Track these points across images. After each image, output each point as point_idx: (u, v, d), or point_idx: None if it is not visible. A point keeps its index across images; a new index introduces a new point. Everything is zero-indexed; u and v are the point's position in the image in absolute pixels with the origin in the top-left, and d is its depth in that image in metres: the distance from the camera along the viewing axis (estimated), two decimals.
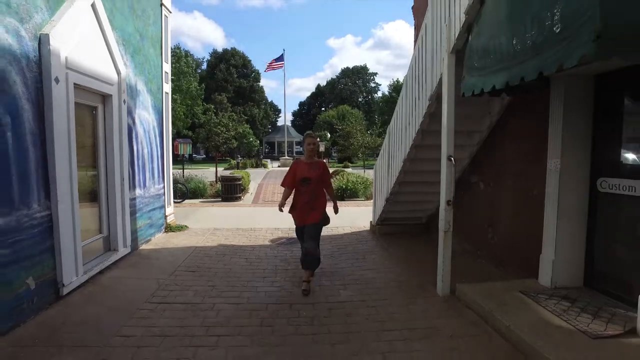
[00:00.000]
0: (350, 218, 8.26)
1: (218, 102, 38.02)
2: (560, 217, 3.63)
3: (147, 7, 6.09)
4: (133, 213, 5.46)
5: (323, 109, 59.12)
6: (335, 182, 13.18)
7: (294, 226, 4.59)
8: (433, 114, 4.44)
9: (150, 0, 6.25)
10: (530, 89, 3.65)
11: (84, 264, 4.10)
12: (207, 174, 17.16)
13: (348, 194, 12.40)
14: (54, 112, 3.52)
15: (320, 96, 63.28)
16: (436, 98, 4.23)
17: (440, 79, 3.96)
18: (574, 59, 2.21)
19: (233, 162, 29.70)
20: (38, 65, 3.40)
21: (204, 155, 48.74)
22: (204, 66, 50.10)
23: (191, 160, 38.07)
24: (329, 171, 4.54)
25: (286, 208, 4.35)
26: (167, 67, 7.07)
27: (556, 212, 3.64)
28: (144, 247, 5.81)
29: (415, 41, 5.41)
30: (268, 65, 36.22)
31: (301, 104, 65.61)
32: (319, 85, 65.09)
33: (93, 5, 4.25)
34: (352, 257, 5.45)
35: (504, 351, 2.84)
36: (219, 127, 17.48)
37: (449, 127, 3.80)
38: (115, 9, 4.91)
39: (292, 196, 4.45)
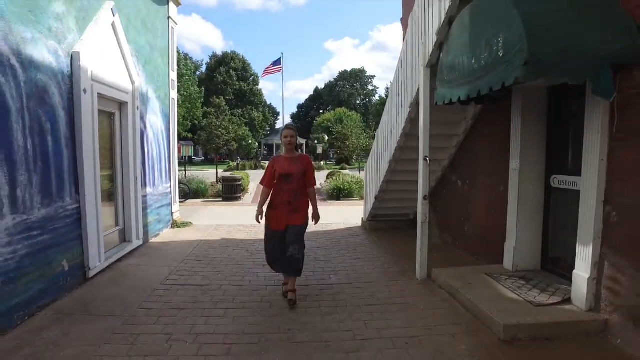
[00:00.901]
0: (345, 216, 8.83)
1: (217, 105, 38.56)
2: (520, 210, 4.21)
3: (156, 20, 6.67)
4: (144, 209, 6.01)
5: (321, 111, 59.73)
6: (331, 183, 13.76)
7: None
8: (414, 120, 5.01)
9: (159, 14, 6.84)
10: (497, 98, 4.24)
11: (104, 252, 4.65)
12: (207, 175, 17.71)
13: (344, 194, 12.95)
14: (83, 119, 4.09)
15: (319, 99, 63.93)
16: (416, 105, 4.80)
17: (419, 89, 4.54)
18: (511, 79, 2.80)
19: (232, 164, 30.28)
20: (70, 78, 3.97)
21: (203, 158, 49.31)
22: (203, 69, 50.69)
23: (190, 162, 38.59)
24: (313, 168, 3.98)
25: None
26: (173, 75, 7.64)
27: (517, 205, 4.21)
28: (153, 240, 6.36)
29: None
30: (265, 70, 36.75)
31: (300, 107, 66.25)
32: (317, 88, 65.80)
33: (113, 24, 4.82)
34: (343, 249, 6.00)
35: (465, 319, 3.40)
36: (219, 129, 18.10)
37: (425, 131, 4.37)
38: (130, 25, 5.48)
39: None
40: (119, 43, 5.03)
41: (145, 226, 6.04)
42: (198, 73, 45.13)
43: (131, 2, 5.56)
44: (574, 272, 3.32)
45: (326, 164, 37.81)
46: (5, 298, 3.02)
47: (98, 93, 4.47)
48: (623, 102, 2.90)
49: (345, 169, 29.85)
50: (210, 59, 52.59)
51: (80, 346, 2.88)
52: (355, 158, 31.08)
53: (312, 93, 65.86)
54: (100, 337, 3.03)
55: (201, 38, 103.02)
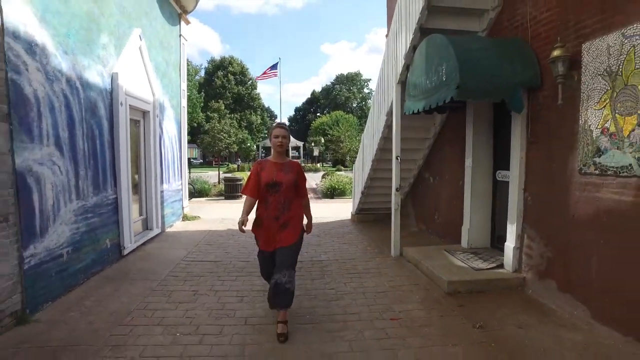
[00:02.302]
0: (337, 211, 9.83)
1: (216, 109, 39.54)
2: (473, 199, 5.22)
3: (170, 39, 7.67)
4: (162, 202, 6.99)
5: (318, 114, 60.80)
6: (325, 182, 14.76)
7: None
8: (390, 126, 6.02)
9: (172, 33, 7.84)
10: (455, 108, 5.26)
11: (134, 236, 5.63)
12: (207, 176, 18.67)
13: (337, 192, 13.95)
14: (120, 126, 5.08)
15: (315, 102, 65.02)
16: (391, 114, 5.81)
17: (392, 101, 5.55)
18: (449, 98, 3.82)
19: (232, 166, 31.31)
20: (110, 94, 4.96)
21: (201, 160, 50.31)
22: (202, 73, 51.71)
23: (189, 165, 39.56)
24: (304, 176, 3.40)
25: (249, 225, 3.24)
26: (183, 86, 8.63)
27: (470, 196, 5.22)
28: (168, 230, 7.34)
29: None
30: (262, 73, 37.75)
31: (297, 110, 67.32)
32: (314, 91, 66.91)
33: (140, 47, 5.82)
34: (334, 236, 6.99)
35: (422, 281, 4.40)
36: (221, 133, 19.16)
37: (396, 135, 5.38)
38: (151, 46, 6.47)
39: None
40: (143, 62, 6.03)
41: (163, 217, 7.01)
42: (197, 77, 46.16)
43: (152, 26, 6.55)
44: (505, 244, 4.34)
45: (322, 165, 38.78)
46: (73, 262, 3.99)
47: (129, 105, 5.46)
48: (533, 114, 3.92)
49: (340, 170, 30.88)
50: (209, 63, 53.63)
51: (131, 297, 3.86)
52: (348, 159, 32.12)
53: (309, 96, 67.03)
54: (143, 292, 4.01)
55: (199, 41, 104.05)
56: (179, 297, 3.92)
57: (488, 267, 4.37)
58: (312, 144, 38.08)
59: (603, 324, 3.09)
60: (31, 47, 3.36)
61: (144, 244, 6.01)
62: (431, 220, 6.73)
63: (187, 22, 8.70)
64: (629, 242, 2.88)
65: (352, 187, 14.20)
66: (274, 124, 3.48)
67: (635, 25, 2.80)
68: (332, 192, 13.91)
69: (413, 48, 4.93)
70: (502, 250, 4.85)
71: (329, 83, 65.42)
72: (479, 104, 5.07)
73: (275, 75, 40.22)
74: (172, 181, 7.72)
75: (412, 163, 6.96)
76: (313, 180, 20.09)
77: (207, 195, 14.03)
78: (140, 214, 6.33)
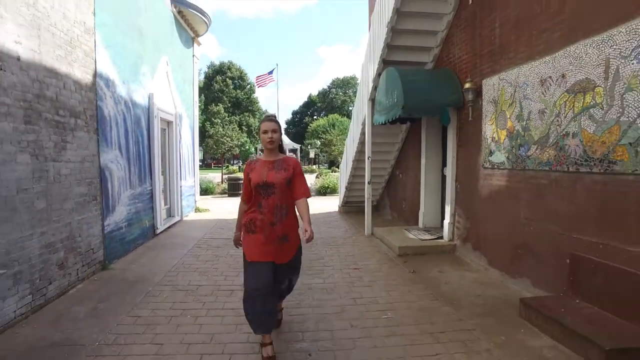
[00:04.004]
0: (327, 206, 11.36)
1: (216, 113, 41.06)
2: (426, 190, 6.77)
3: (186, 61, 9.21)
4: (181, 195, 8.51)
5: (315, 117, 62.37)
6: (318, 182, 16.30)
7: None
8: (364, 133, 7.57)
9: (187, 54, 9.38)
10: (414, 119, 6.82)
11: (163, 220, 7.15)
12: (208, 177, 20.20)
13: (329, 190, 15.49)
14: (154, 134, 6.61)
15: (312, 105, 66.64)
16: (364, 124, 7.36)
17: (365, 114, 7.10)
18: (397, 114, 5.36)
19: (232, 168, 32.85)
20: (148, 110, 6.49)
21: (200, 162, 51.81)
22: (201, 77, 53.27)
23: None
24: (302, 172, 2.92)
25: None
26: (195, 98, 10.17)
27: (424, 187, 6.77)
28: (185, 218, 8.86)
29: None
30: (260, 79, 39.27)
31: (294, 113, 68.89)
32: (310, 94, 68.54)
33: (167, 72, 7.36)
34: (321, 224, 8.52)
35: (383, 249, 5.94)
36: (225, 137, 20.77)
37: (368, 141, 6.93)
38: (173, 68, 8.01)
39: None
40: (169, 82, 7.56)
41: (182, 207, 8.54)
42: None
43: (174, 52, 8.10)
44: (444, 221, 5.89)
45: (319, 167, 40.35)
46: (127, 234, 5.51)
47: (160, 117, 7.00)
48: (459, 126, 5.48)
49: (335, 171, 32.45)
50: (208, 68, 55.24)
51: (170, 258, 5.39)
52: (340, 160, 33.69)
53: (306, 99, 68.65)
54: (178, 255, 5.54)
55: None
56: (205, 258, 5.45)
57: (431, 238, 5.92)
58: (309, 147, 39.66)
59: (494, 268, 4.64)
60: (107, 82, 4.90)
61: (169, 227, 7.53)
62: (400, 209, 8.29)
63: (199, 44, 10.25)
64: (502, 210, 4.43)
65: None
66: (263, 117, 3.03)
67: (504, 72, 4.36)
68: (325, 191, 15.45)
69: (378, 74, 6.49)
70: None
71: (325, 87, 67.12)
72: (430, 117, 6.63)
73: (273, 80, 41.94)
74: (187, 178, 9.25)
75: (386, 163, 8.51)
76: (308, 180, 21.59)
77: (212, 194, 15.55)
78: (166, 204, 7.86)
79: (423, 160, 6.82)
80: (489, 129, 4.74)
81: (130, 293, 4.03)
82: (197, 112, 10.35)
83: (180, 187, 8.55)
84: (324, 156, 47.42)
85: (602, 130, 3.10)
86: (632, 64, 2.83)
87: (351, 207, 9.86)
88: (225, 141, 20.89)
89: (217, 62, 55.77)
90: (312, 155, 33.97)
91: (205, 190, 15.36)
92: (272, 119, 2.87)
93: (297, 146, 48.66)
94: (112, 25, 5.06)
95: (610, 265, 3.02)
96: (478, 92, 4.94)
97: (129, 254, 5.55)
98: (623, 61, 2.90)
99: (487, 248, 4.81)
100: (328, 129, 44.71)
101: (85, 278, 4.32)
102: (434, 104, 5.33)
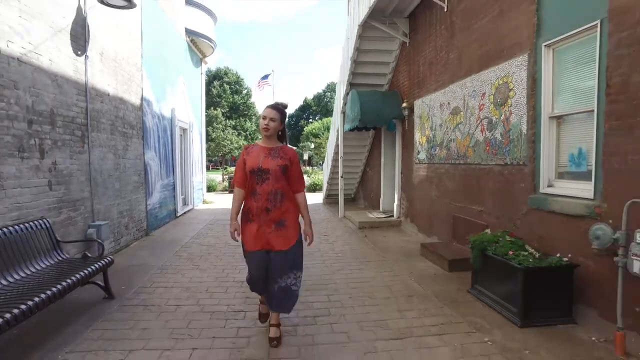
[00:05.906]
0: (314, 199, 13.37)
1: (214, 117, 43.04)
2: (385, 182, 8.78)
3: (195, 77, 11.22)
4: (193, 188, 10.49)
5: (310, 120, 64.36)
6: (309, 180, 18.27)
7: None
8: (338, 138, 9.59)
9: (197, 72, 11.39)
10: (376, 127, 8.85)
11: (181, 207, 9.12)
12: (210, 177, 22.16)
13: (318, 188, 17.49)
14: (175, 139, 8.59)
15: (308, 109, 68.67)
16: (338, 131, 9.37)
17: (338, 124, 9.12)
18: (355, 125, 7.39)
19: (229, 169, 34.84)
20: (171, 120, 8.47)
21: None
22: None
23: None
24: (299, 165, 2.91)
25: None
26: (203, 108, 12.16)
27: (383, 180, 8.79)
28: (195, 208, 10.84)
29: None
30: (260, 84, 41.17)
31: (290, 116, 70.84)
32: (306, 98, 70.60)
33: (183, 89, 9.35)
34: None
35: (348, 225, 7.95)
36: (225, 141, 22.81)
37: (341, 144, 8.94)
38: (187, 86, 10.01)
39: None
40: (184, 97, 9.56)
41: (193, 198, 10.51)
42: None
43: (187, 72, 10.10)
44: (394, 203, 7.91)
45: (313, 169, 42.39)
46: (159, 214, 7.48)
47: (179, 126, 8.98)
48: (402, 133, 7.51)
49: None
50: (206, 73, 57.16)
51: (191, 230, 7.37)
52: None
53: (301, 103, 70.70)
54: (196, 228, 7.51)
55: None
56: (216, 229, 7.44)
57: (385, 217, 7.94)
58: (303, 149, 41.75)
59: (421, 233, 6.65)
60: (148, 102, 6.89)
61: (185, 213, 9.51)
62: (370, 198, 10.31)
63: (206, 63, 12.26)
64: (424, 192, 6.46)
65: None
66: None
67: (424, 97, 6.39)
68: (314, 188, 17.46)
69: (347, 93, 8.51)
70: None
71: (320, 91, 69.19)
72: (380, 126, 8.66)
73: (268, 85, 43.84)
74: (197, 174, 11.23)
75: (359, 162, 10.54)
76: None
77: (214, 190, 17.51)
78: (182, 194, 9.83)
79: (382, 159, 8.85)
80: (417, 135, 6.76)
81: (170, 246, 6.01)
82: (204, 120, 12.34)
83: (192, 181, 10.52)
84: (317, 158, 49.58)
85: (462, 137, 5.14)
86: (472, 99, 4.86)
87: (333, 199, 11.86)
88: (226, 144, 22.93)
89: (213, 68, 57.85)
90: (306, 157, 35.97)
91: (209, 188, 17.29)
92: (275, 106, 2.80)
93: (293, 149, 50.65)
94: (149, 60, 7.05)
95: (467, 219, 5.04)
96: (411, 109, 6.97)
97: (160, 227, 7.52)
98: (470, 97, 4.94)
99: (417, 219, 6.83)
100: (322, 132, 46.77)
101: (137, 239, 6.30)
102: (382, 117, 7.36)
